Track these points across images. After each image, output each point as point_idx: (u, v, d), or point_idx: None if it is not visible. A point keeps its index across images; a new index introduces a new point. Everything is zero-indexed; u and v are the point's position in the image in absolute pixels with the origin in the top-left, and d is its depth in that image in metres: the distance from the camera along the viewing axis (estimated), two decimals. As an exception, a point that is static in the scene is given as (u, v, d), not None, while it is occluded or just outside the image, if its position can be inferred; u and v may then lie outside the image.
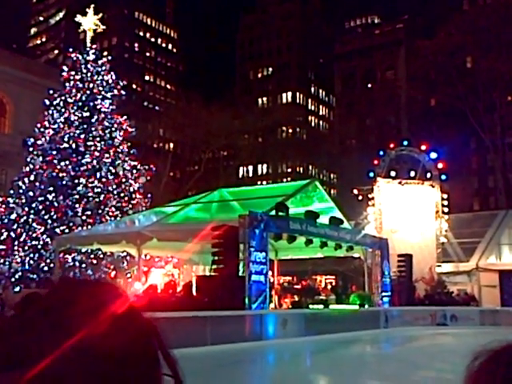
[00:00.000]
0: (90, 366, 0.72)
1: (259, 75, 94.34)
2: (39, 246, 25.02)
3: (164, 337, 0.81)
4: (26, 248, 25.04)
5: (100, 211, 25.53)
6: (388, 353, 18.16)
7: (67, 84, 27.81)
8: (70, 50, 29.38)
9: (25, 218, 25.50)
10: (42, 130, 27.08)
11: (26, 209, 25.67)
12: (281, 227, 18.72)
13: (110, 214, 25.68)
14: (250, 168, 79.50)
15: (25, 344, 0.73)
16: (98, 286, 0.83)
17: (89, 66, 28.14)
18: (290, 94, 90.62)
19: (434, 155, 31.08)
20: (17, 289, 23.77)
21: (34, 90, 36.31)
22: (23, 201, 25.95)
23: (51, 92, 27.86)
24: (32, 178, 26.25)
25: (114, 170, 26.70)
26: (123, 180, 27.00)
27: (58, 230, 24.45)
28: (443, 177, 30.84)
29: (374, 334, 20.91)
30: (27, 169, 26.57)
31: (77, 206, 25.24)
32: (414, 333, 21.67)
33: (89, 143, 26.46)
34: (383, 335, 21.58)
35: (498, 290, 28.78)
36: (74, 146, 26.36)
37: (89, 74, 27.96)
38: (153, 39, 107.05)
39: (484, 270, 29.27)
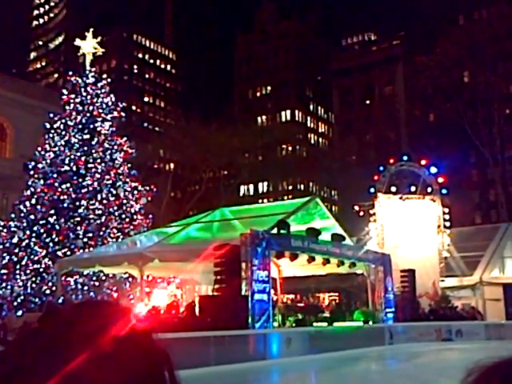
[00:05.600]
0: None
1: (258, 94, 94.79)
2: (41, 270, 24.96)
3: (173, 363, 0.77)
4: (28, 271, 24.99)
5: (101, 233, 25.53)
6: (394, 369, 17.99)
7: (67, 107, 27.99)
8: (70, 73, 29.61)
9: (26, 241, 25.48)
10: (42, 153, 27.19)
11: (28, 232, 25.67)
12: (283, 245, 18.68)
13: (112, 235, 25.67)
14: (251, 186, 79.59)
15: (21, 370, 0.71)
16: (102, 308, 0.80)
17: (88, 88, 28.34)
18: (288, 112, 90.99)
19: (434, 170, 31.09)
20: (19, 313, 23.69)
21: (34, 113, 36.51)
22: (24, 224, 25.97)
23: (51, 115, 28.03)
24: (33, 201, 26.29)
25: (114, 192, 26.76)
26: (124, 201, 27.04)
27: (59, 253, 24.43)
28: (444, 191, 30.82)
29: (379, 351, 20.74)
30: (28, 192, 26.62)
31: (78, 228, 25.24)
32: (419, 349, 21.46)
33: (89, 165, 26.56)
34: (388, 352, 21.38)
35: (503, 304, 28.57)
36: (74, 168, 26.46)
37: (88, 97, 28.16)
38: (151, 61, 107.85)
39: (488, 283, 29.10)
